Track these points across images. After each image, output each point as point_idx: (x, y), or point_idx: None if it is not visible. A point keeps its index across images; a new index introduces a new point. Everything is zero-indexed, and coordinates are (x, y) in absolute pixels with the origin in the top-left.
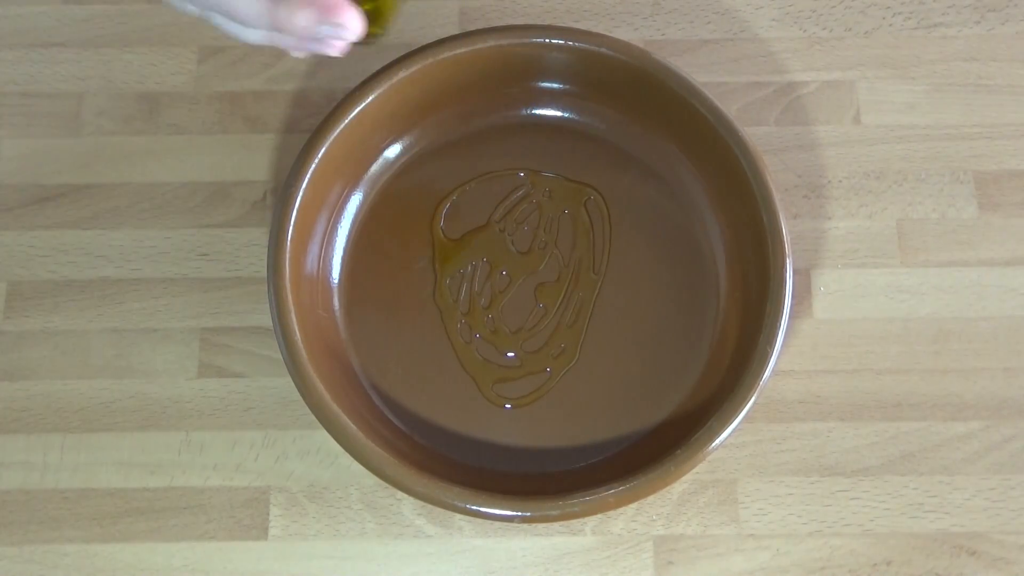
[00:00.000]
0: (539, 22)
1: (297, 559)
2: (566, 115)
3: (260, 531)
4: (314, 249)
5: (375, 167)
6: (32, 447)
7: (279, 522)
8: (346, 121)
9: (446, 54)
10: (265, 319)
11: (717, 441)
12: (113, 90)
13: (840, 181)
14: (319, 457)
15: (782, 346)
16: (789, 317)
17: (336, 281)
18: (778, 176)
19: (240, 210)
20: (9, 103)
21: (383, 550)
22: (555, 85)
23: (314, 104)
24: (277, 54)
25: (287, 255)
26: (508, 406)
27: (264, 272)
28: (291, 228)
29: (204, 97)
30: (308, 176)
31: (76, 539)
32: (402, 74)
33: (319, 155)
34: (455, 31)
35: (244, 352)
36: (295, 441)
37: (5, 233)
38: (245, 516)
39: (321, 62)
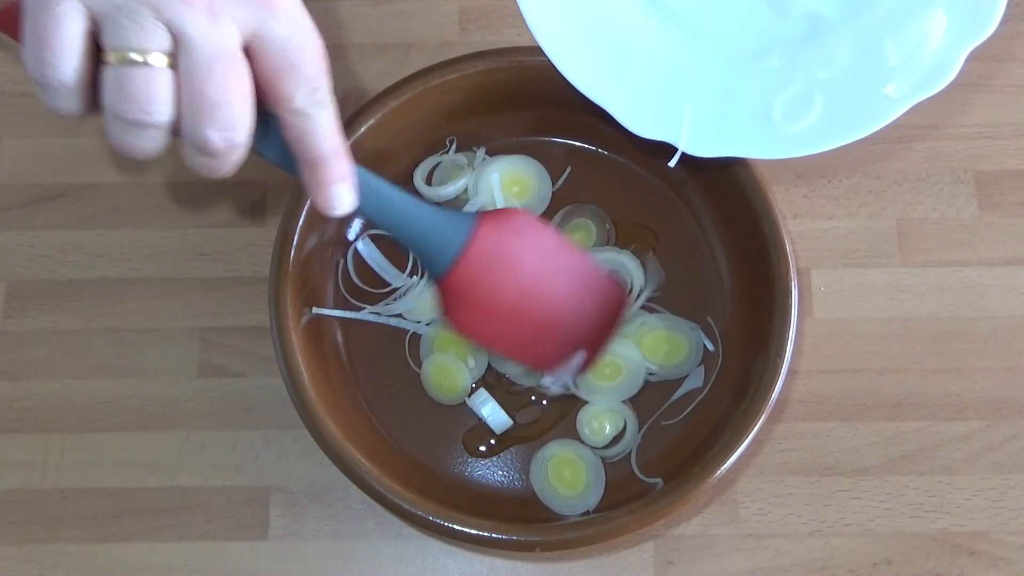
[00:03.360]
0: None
1: (297, 559)
2: (567, 141)
3: (260, 531)
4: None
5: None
6: (32, 447)
7: (279, 522)
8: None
9: (435, 81)
10: (265, 319)
11: (731, 459)
12: None
13: (840, 181)
14: (319, 457)
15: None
16: (796, 330)
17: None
18: (778, 176)
19: (240, 210)
20: (9, 103)
21: (383, 550)
22: (550, 111)
23: None
24: None
25: (288, 296)
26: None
27: (264, 272)
28: (292, 258)
29: None
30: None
31: (76, 539)
32: (393, 103)
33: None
34: (455, 31)
35: (244, 352)
36: (295, 441)
37: (5, 233)
38: (245, 516)
39: None
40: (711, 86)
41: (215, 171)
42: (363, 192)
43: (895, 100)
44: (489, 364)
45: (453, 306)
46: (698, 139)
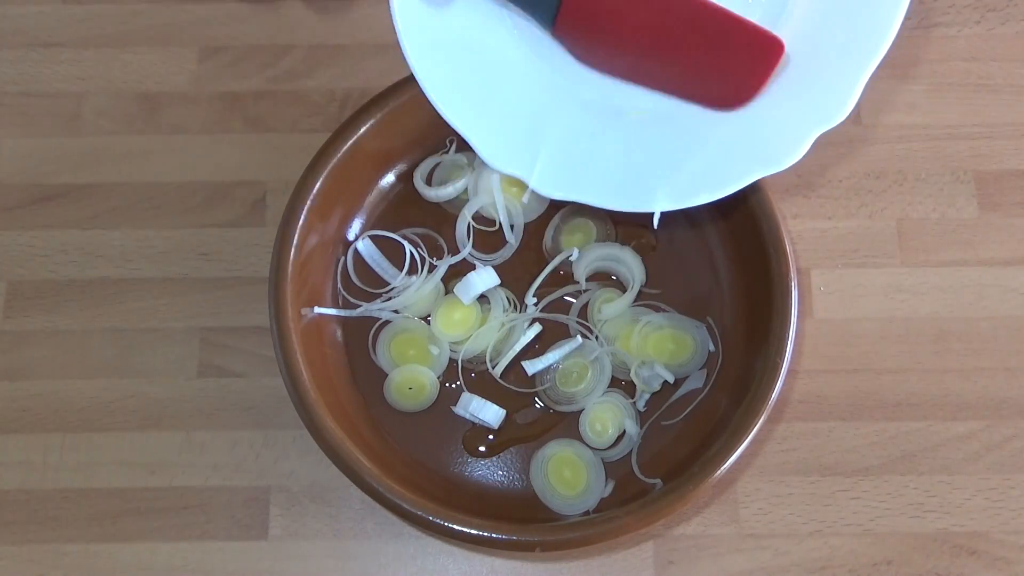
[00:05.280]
0: None
1: (297, 559)
2: None
3: (260, 531)
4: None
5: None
6: (32, 447)
7: (279, 522)
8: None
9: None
10: (265, 319)
11: (731, 459)
12: (113, 90)
13: (840, 181)
14: (319, 457)
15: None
16: (796, 330)
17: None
18: (778, 176)
19: (240, 210)
20: (9, 103)
21: (383, 550)
22: None
23: (314, 104)
24: (277, 54)
25: (288, 293)
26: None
27: (264, 272)
28: (292, 258)
29: (204, 97)
30: (307, 207)
31: (76, 539)
32: (393, 103)
33: (319, 182)
34: None
35: (244, 352)
36: (295, 441)
37: (5, 233)
38: (245, 516)
39: (321, 62)
40: (570, 130)
41: None
42: None
43: (743, 170)
44: (451, 359)
45: (580, 42)
46: (549, 179)
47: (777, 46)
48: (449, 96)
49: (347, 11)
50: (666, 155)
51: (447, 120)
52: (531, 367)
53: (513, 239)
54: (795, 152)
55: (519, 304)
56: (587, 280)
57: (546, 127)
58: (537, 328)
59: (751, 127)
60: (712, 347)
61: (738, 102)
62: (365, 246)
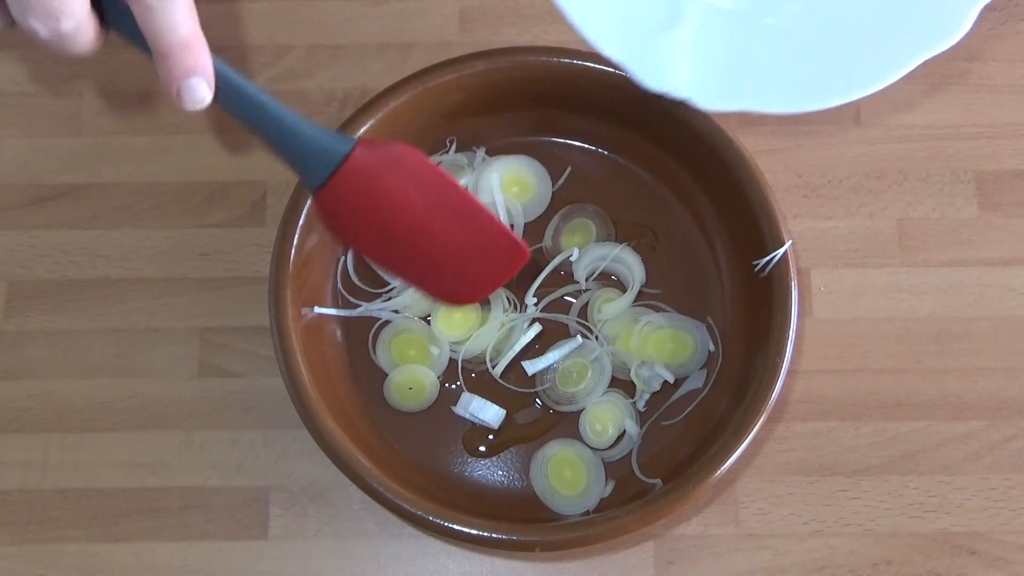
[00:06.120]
0: (533, 27)
1: (297, 559)
2: (567, 141)
3: (260, 531)
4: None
5: None
6: (32, 447)
7: (279, 522)
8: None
9: (435, 81)
10: (265, 319)
11: (731, 459)
12: (113, 90)
13: (840, 181)
14: (319, 457)
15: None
16: (796, 330)
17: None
18: (778, 176)
19: (240, 210)
20: (9, 103)
21: (383, 550)
22: (550, 111)
23: (314, 104)
24: (277, 54)
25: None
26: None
27: (264, 272)
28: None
29: None
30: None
31: (76, 539)
32: (393, 103)
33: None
34: (455, 31)
35: (244, 352)
36: (295, 441)
37: (5, 233)
38: (245, 516)
39: (321, 62)
40: (716, 38)
41: (65, 53)
42: (225, 90)
43: (906, 55)
44: (451, 359)
45: (332, 219)
46: (705, 90)
47: (522, 254)
48: (588, 15)
49: (344, 11)
50: (821, 51)
51: (589, 42)
52: (531, 367)
53: None
54: (959, 27)
55: (519, 304)
56: (587, 280)
57: (689, 37)
58: (537, 328)
59: (910, 10)
60: (712, 347)
61: (468, 299)
62: None
